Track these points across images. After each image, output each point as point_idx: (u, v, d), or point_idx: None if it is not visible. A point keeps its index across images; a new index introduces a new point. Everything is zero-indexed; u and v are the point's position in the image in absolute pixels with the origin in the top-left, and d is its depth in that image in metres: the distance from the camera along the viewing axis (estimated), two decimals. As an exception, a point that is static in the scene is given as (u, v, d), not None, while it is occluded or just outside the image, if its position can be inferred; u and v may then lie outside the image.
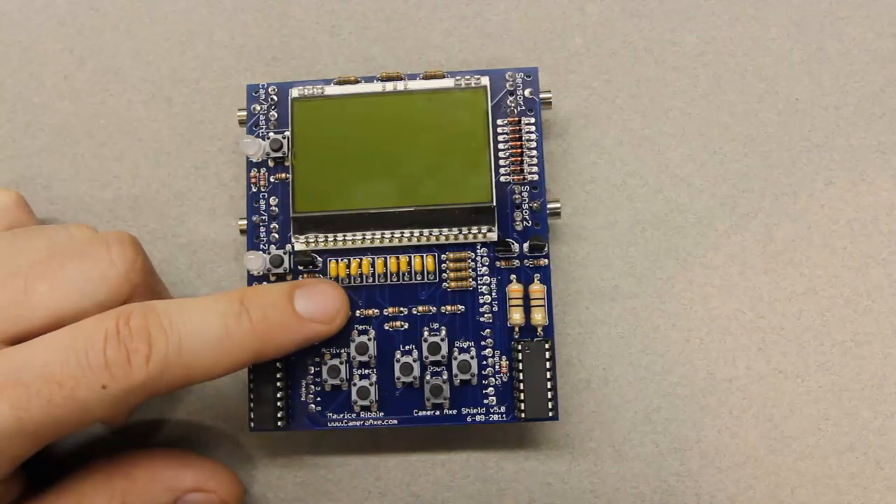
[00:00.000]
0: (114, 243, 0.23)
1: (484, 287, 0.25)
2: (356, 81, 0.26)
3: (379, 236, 0.25)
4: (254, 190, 0.26)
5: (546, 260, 0.25)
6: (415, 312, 0.25)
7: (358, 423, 0.25)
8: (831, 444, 0.26)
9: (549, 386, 0.24)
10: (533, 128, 0.26)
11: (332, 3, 0.30)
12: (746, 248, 0.27)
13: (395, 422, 0.25)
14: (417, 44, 0.29)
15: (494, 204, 0.25)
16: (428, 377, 0.25)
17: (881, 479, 0.26)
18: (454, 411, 0.25)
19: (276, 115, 0.26)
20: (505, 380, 0.25)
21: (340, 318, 0.24)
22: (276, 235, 0.26)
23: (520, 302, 0.25)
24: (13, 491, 0.23)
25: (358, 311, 0.25)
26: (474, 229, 0.25)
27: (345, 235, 0.25)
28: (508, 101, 0.26)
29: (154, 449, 0.26)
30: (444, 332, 0.25)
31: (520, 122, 0.26)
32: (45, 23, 0.30)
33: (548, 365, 0.24)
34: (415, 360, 0.25)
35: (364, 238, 0.25)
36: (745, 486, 0.26)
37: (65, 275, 0.22)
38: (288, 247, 0.26)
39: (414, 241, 0.25)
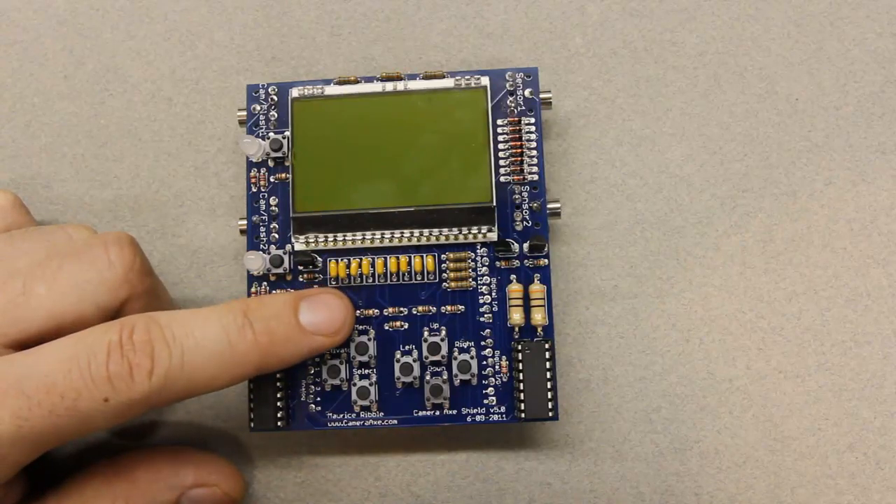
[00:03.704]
0: (112, 244, 0.23)
1: (484, 287, 0.25)
2: (356, 81, 0.26)
3: (379, 236, 0.25)
4: (254, 190, 0.26)
5: (546, 260, 0.25)
6: (415, 312, 0.25)
7: (358, 423, 0.25)
8: (831, 444, 0.26)
9: (548, 386, 0.24)
10: (533, 128, 0.26)
11: (332, 3, 0.30)
12: (746, 248, 0.27)
13: (395, 422, 0.25)
14: (417, 44, 0.29)
15: (494, 204, 0.25)
16: (428, 377, 0.25)
17: (881, 479, 0.26)
18: (454, 411, 0.25)
19: (276, 115, 0.26)
20: (505, 380, 0.25)
21: (345, 331, 0.24)
22: (276, 235, 0.26)
23: (520, 302, 0.25)
24: (14, 494, 0.23)
25: (358, 311, 0.25)
26: (474, 229, 0.25)
27: (345, 235, 0.25)
28: (508, 101, 0.26)
29: (154, 448, 0.26)
30: (444, 332, 0.25)
31: (520, 122, 0.26)
32: (45, 23, 0.30)
33: (548, 365, 0.24)
34: (415, 360, 0.25)
35: (364, 238, 0.25)
36: (745, 486, 0.26)
37: (63, 276, 0.22)
38: (288, 247, 0.26)
39: (414, 241, 0.25)
